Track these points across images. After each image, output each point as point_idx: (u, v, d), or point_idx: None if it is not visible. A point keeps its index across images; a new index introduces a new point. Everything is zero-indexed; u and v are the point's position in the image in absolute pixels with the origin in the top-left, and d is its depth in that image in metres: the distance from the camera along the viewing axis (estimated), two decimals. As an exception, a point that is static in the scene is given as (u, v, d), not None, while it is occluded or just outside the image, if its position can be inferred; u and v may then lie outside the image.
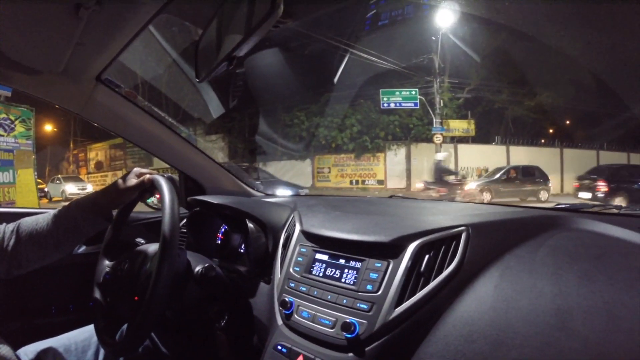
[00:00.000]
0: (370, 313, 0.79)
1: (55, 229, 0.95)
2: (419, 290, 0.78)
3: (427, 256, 0.81)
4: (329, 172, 16.24)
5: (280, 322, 0.94)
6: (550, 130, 16.21)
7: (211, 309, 1.05)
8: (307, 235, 0.99)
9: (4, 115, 5.59)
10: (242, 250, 1.30)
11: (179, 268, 1.00)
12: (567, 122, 15.87)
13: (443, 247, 0.82)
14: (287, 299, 0.92)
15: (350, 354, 0.77)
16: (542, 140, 15.79)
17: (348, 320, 0.78)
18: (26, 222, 0.96)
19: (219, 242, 1.41)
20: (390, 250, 0.84)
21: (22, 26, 0.94)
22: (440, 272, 0.79)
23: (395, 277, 0.80)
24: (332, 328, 0.82)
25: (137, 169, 1.07)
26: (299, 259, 0.98)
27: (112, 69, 1.30)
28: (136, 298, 0.92)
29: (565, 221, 0.88)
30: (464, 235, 0.82)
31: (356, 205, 1.23)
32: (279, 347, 0.90)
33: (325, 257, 0.94)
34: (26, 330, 1.41)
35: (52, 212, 0.99)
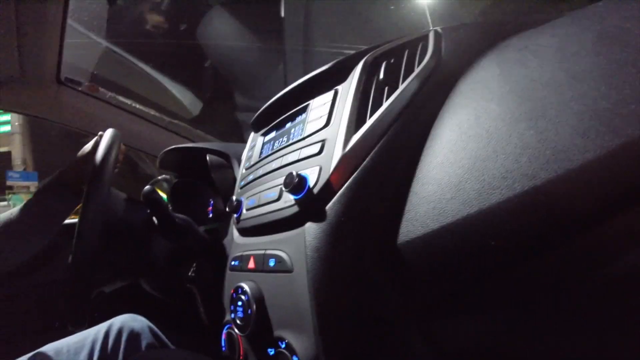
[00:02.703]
0: (321, 154, 0.52)
1: (25, 217, 0.90)
2: (385, 100, 0.50)
3: (384, 62, 0.55)
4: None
5: (235, 234, 0.69)
6: None
7: (181, 262, 0.83)
8: (254, 125, 0.75)
9: None
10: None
11: (131, 218, 0.81)
12: None
13: (407, 51, 0.55)
14: (234, 200, 0.68)
15: (308, 224, 0.50)
16: None
17: (293, 173, 0.51)
18: (1, 215, 0.92)
19: (211, 215, 1.20)
20: (335, 77, 0.59)
21: None
22: (409, 73, 0.52)
23: (347, 98, 0.53)
24: (277, 200, 0.56)
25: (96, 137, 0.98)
26: (249, 154, 0.75)
27: (68, 67, 1.25)
28: None
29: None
30: (432, 34, 0.55)
31: None
32: (233, 264, 0.66)
33: (272, 134, 0.69)
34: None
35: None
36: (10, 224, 0.90)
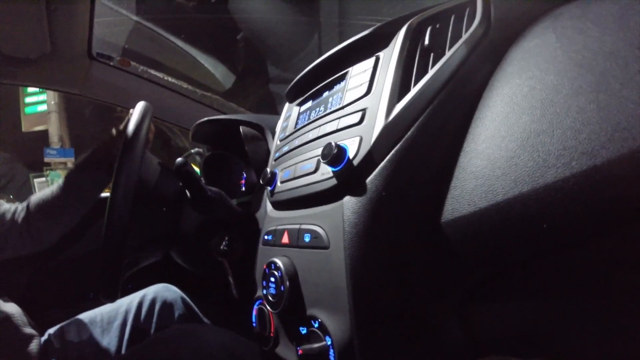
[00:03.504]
0: (362, 124, 0.49)
1: (60, 195, 0.93)
2: (431, 68, 0.46)
3: (429, 28, 0.51)
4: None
5: (269, 208, 0.67)
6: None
7: (213, 235, 0.82)
8: (289, 95, 0.72)
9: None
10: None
11: (163, 189, 0.80)
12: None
13: (453, 16, 0.51)
14: (268, 172, 0.66)
15: (346, 198, 0.47)
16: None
17: (332, 144, 0.48)
18: (36, 195, 0.96)
19: (244, 188, 1.19)
20: (376, 43, 0.55)
21: (1, 16, 1.02)
22: (456, 40, 0.48)
23: (390, 65, 0.50)
24: (314, 172, 0.53)
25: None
26: (284, 124, 0.72)
27: (99, 42, 1.25)
28: None
29: None
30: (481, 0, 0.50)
31: None
32: (266, 238, 0.64)
33: (309, 104, 0.67)
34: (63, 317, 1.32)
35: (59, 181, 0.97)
36: (43, 205, 0.93)
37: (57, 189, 0.94)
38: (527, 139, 0.37)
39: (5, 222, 0.91)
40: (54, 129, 7.16)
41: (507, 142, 0.39)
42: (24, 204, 0.95)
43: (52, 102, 7.18)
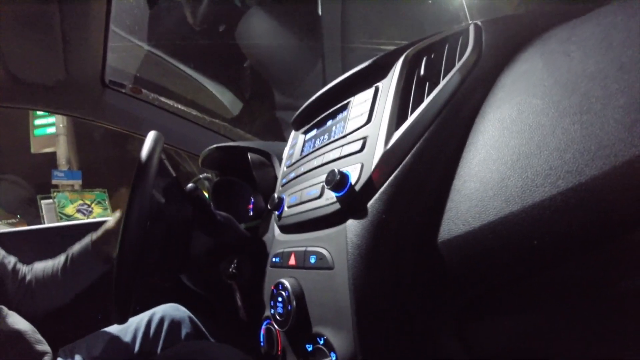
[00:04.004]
0: (363, 152, 0.52)
1: (57, 275, 0.98)
2: (427, 97, 0.50)
3: (425, 58, 0.54)
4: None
5: (277, 232, 0.70)
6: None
7: (222, 259, 0.84)
8: (295, 123, 0.76)
9: (80, 202, 6.12)
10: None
11: (174, 214, 0.83)
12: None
13: (447, 45, 0.54)
14: (276, 198, 0.69)
15: (349, 221, 0.50)
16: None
17: (335, 171, 0.51)
18: (39, 265, 1.00)
19: (251, 213, 1.22)
20: (376, 74, 0.58)
21: (19, 43, 1.08)
22: (450, 69, 0.51)
23: (388, 95, 0.53)
24: (319, 197, 0.56)
25: None
26: (290, 152, 0.76)
27: (112, 70, 1.31)
28: None
29: None
30: (472, 28, 0.54)
31: None
32: (274, 260, 0.66)
33: (313, 132, 0.70)
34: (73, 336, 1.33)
35: (64, 254, 1.02)
36: (43, 277, 0.98)
37: (57, 267, 0.98)
38: (516, 161, 0.40)
39: (12, 279, 0.94)
40: (62, 151, 7.24)
41: (498, 165, 0.41)
42: (29, 267, 0.99)
43: (61, 125, 7.27)
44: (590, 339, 0.40)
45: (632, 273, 0.36)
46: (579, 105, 0.36)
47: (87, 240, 1.00)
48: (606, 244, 0.35)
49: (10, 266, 0.96)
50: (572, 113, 0.37)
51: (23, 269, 0.98)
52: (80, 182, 6.54)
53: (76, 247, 1.00)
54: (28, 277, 0.96)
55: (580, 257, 0.37)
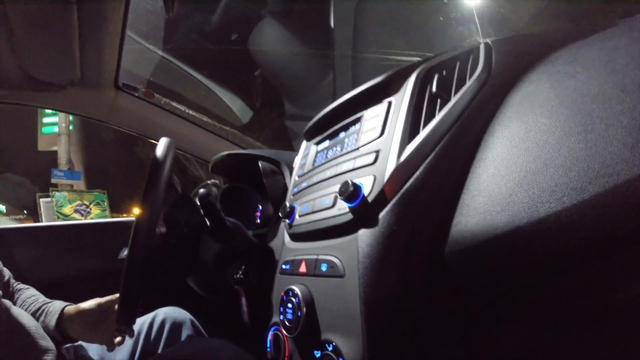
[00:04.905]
0: (375, 164, 0.54)
1: (30, 314, 0.91)
2: (438, 112, 0.51)
3: (436, 75, 0.56)
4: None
5: (287, 239, 0.72)
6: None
7: (230, 264, 0.86)
8: (307, 134, 0.78)
9: (79, 202, 6.11)
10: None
11: (183, 219, 0.84)
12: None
13: (458, 63, 0.56)
14: (287, 206, 0.70)
15: (361, 231, 0.52)
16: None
17: (349, 182, 0.53)
18: (28, 291, 0.98)
19: (259, 221, 1.23)
20: (388, 88, 0.60)
21: (35, 42, 1.08)
22: (461, 86, 0.53)
23: (400, 110, 0.55)
24: (332, 207, 0.58)
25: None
26: (302, 162, 0.77)
27: (126, 73, 1.33)
28: None
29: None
30: (483, 47, 0.56)
31: None
32: (284, 267, 0.68)
33: (326, 144, 0.72)
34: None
35: (42, 304, 0.95)
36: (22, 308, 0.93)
37: (31, 310, 0.92)
38: (524, 177, 0.41)
39: (3, 289, 0.91)
40: (63, 151, 7.24)
41: (506, 181, 0.43)
42: (20, 288, 0.97)
43: (63, 125, 7.27)
44: (594, 349, 0.42)
45: (629, 284, 0.37)
46: (583, 124, 0.38)
47: (78, 311, 0.92)
48: (607, 257, 0.37)
49: (4, 280, 0.93)
50: (577, 132, 0.38)
51: (15, 286, 0.97)
52: (80, 182, 6.53)
53: (51, 309, 0.93)
54: (15, 297, 0.94)
55: (582, 269, 0.38)
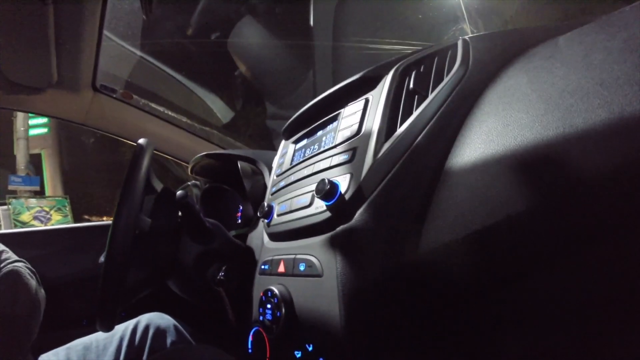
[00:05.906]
0: (352, 162, 0.53)
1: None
2: (415, 109, 0.51)
3: (414, 71, 0.55)
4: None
5: (266, 239, 0.71)
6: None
7: (210, 266, 0.85)
8: (285, 133, 0.77)
9: (38, 208, 5.93)
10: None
11: (162, 221, 0.83)
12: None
13: (436, 59, 0.56)
14: (265, 206, 0.70)
15: (339, 229, 0.51)
16: None
17: (325, 180, 0.52)
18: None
19: (239, 221, 1.22)
20: (366, 86, 0.60)
21: (11, 44, 1.07)
22: (439, 82, 0.53)
23: (378, 107, 0.55)
24: (309, 206, 0.57)
25: None
26: (280, 161, 0.76)
27: (103, 75, 1.30)
28: None
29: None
30: (461, 43, 0.56)
31: None
32: (263, 267, 0.67)
33: (304, 142, 0.71)
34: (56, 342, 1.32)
35: None
36: None
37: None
38: (501, 172, 0.41)
39: None
40: (21, 156, 6.98)
41: (483, 176, 0.43)
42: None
43: (22, 129, 6.98)
44: (594, 349, 0.42)
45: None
46: (562, 119, 0.38)
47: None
48: (579, 254, 0.37)
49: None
50: (555, 127, 0.38)
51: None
52: (37, 188, 6.31)
53: None
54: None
55: (563, 263, 0.38)
